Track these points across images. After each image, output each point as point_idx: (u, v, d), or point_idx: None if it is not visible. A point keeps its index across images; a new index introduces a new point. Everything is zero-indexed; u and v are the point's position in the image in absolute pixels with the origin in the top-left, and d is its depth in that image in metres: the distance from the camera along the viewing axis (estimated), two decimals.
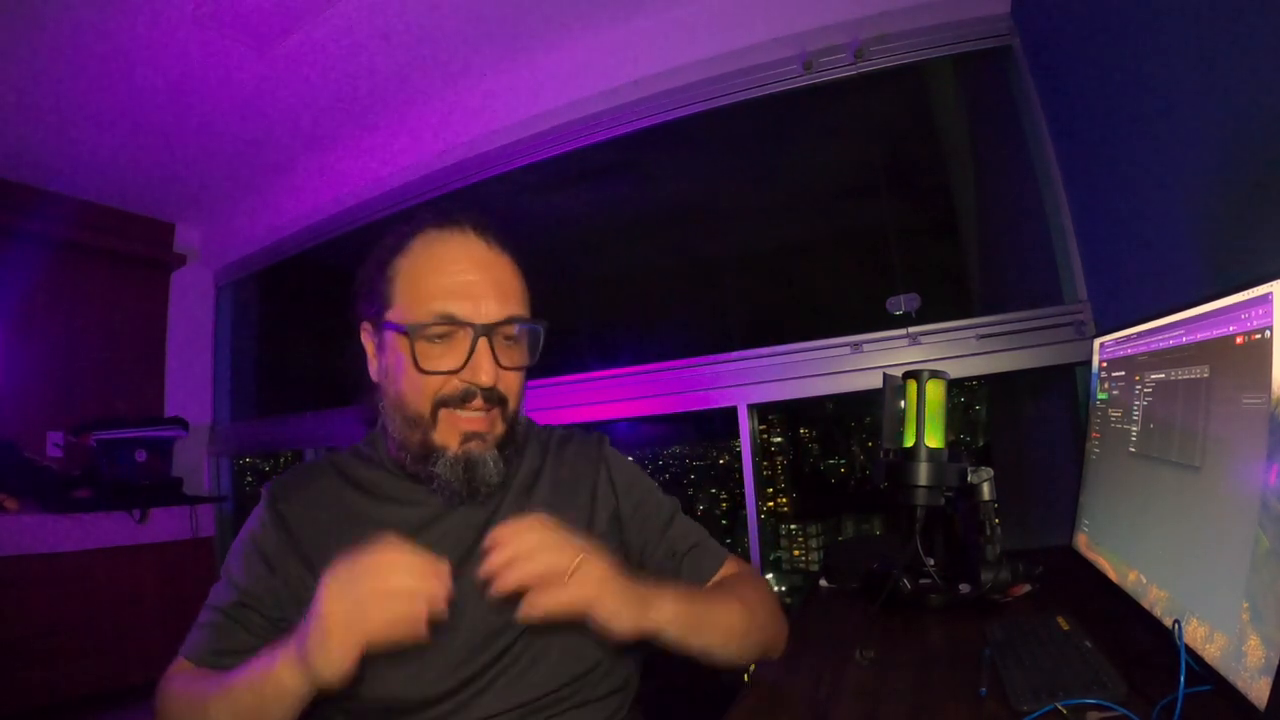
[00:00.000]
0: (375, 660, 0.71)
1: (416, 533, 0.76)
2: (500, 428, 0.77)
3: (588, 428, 0.96)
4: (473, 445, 0.75)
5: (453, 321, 0.73)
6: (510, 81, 2.32)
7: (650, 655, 0.83)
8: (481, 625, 0.74)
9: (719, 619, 0.75)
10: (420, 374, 0.73)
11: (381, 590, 0.59)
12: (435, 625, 0.67)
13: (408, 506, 0.79)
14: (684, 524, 0.89)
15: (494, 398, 0.75)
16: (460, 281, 0.74)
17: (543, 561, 0.63)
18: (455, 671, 0.73)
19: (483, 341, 0.72)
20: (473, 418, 0.75)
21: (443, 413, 0.74)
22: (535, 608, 0.63)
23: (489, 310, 0.73)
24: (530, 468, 0.85)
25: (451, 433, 0.75)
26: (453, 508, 0.79)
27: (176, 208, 3.10)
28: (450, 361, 0.73)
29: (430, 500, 0.79)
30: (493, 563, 0.63)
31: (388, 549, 0.61)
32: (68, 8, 1.79)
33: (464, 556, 0.76)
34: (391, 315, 0.76)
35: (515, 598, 0.68)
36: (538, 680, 0.75)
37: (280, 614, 0.75)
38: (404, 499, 0.80)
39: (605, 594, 0.65)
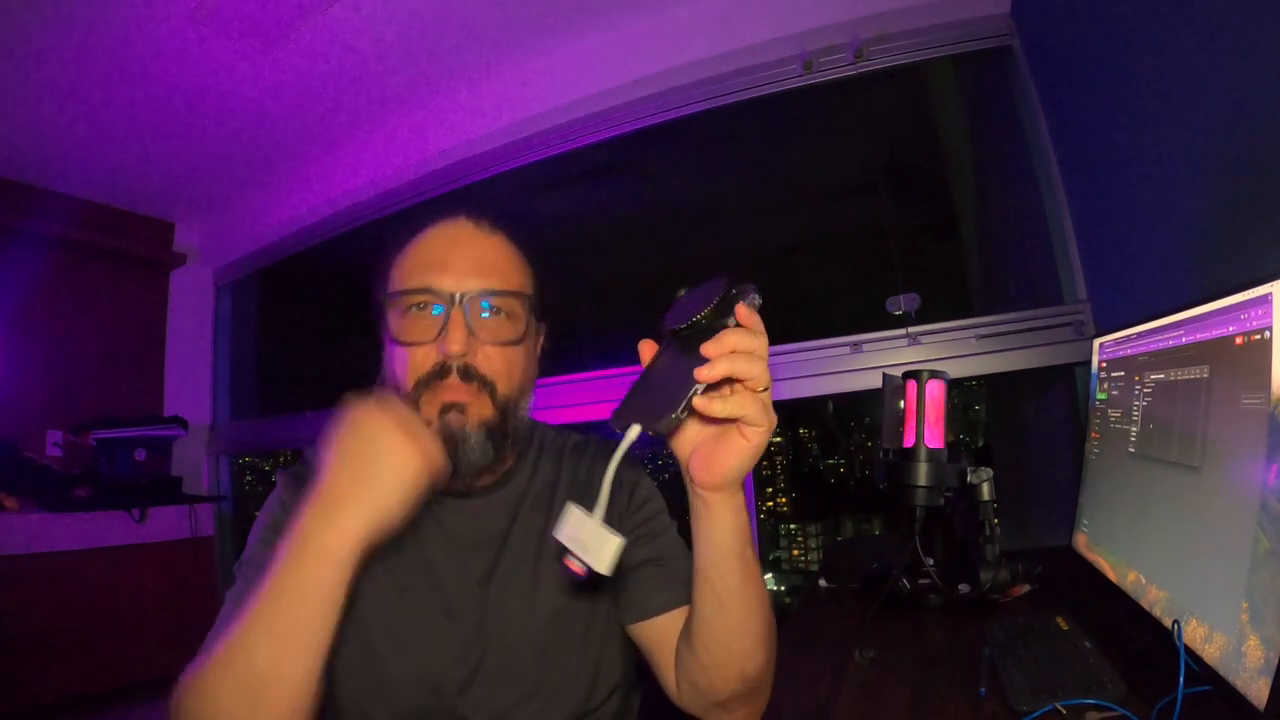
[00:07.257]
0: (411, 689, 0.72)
1: (433, 551, 0.76)
2: (489, 411, 0.73)
3: (588, 428, 0.95)
4: (452, 418, 0.71)
5: (428, 291, 0.72)
6: (511, 81, 2.32)
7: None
8: (501, 636, 0.74)
9: (758, 580, 0.68)
10: (397, 345, 0.72)
11: (389, 472, 0.59)
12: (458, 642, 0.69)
13: (424, 522, 0.77)
14: (676, 540, 0.86)
15: (471, 374, 0.72)
16: (441, 256, 0.74)
17: (759, 367, 0.54)
18: (494, 695, 0.73)
19: (456, 311, 0.71)
20: (453, 389, 0.72)
21: (425, 393, 0.72)
22: (726, 401, 0.54)
23: (467, 283, 0.72)
24: (546, 477, 0.84)
25: (432, 406, 0.72)
26: (460, 523, 0.77)
27: (176, 207, 3.10)
28: (427, 334, 0.72)
29: (443, 517, 0.78)
30: (714, 349, 0.53)
31: (378, 419, 0.60)
32: (67, 7, 1.79)
33: (485, 574, 0.76)
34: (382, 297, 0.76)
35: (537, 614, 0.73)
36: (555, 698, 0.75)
37: None
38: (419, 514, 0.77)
39: (769, 427, 0.57)
